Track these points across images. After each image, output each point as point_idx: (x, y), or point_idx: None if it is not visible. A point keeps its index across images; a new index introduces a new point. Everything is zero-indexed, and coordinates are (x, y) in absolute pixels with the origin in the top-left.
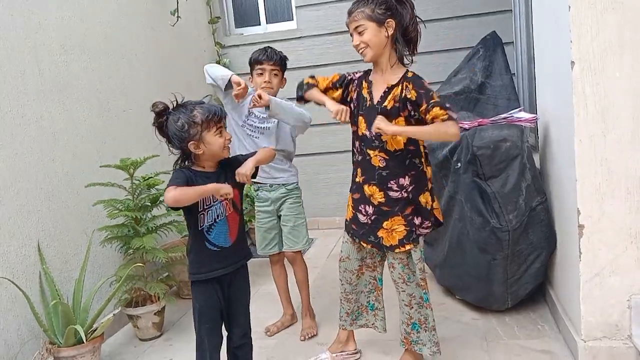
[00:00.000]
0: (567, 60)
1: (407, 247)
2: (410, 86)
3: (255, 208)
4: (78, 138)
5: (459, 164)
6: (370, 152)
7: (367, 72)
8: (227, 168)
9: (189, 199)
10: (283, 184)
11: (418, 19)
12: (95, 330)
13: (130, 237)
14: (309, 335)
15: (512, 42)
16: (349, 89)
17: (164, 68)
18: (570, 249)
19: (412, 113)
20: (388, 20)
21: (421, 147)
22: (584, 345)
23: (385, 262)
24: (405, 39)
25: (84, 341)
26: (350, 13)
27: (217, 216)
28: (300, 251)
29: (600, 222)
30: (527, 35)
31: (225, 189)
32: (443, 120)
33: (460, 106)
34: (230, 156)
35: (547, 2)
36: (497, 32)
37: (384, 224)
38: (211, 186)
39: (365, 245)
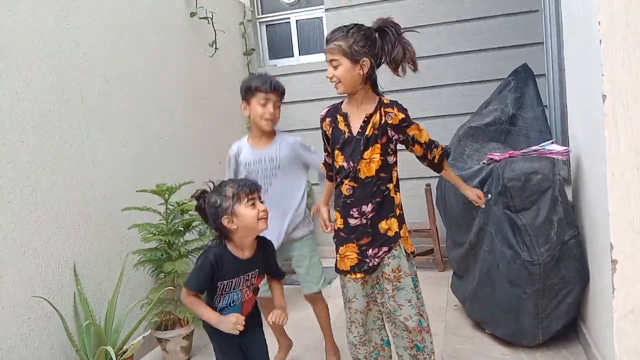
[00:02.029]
0: (598, 93)
1: (359, 275)
2: (394, 111)
3: None
4: (116, 163)
5: (490, 196)
6: (345, 180)
7: (335, 107)
8: (262, 252)
9: (194, 312)
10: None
11: (406, 39)
12: (125, 352)
13: (162, 260)
14: None
15: (544, 74)
16: (324, 129)
17: (200, 97)
18: (603, 285)
19: (393, 137)
20: (363, 60)
21: (394, 174)
22: None
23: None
24: (391, 59)
25: None
26: (327, 42)
27: (233, 301)
28: (320, 291)
29: (634, 257)
30: (559, 68)
31: (229, 325)
32: (442, 157)
33: (491, 137)
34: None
35: (579, 35)
36: (529, 64)
37: (340, 249)
38: (215, 320)
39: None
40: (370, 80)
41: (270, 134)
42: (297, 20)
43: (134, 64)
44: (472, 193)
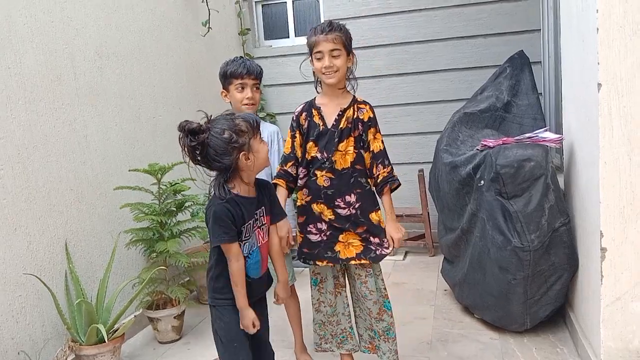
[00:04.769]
0: (594, 81)
1: (363, 261)
2: (366, 108)
3: None
4: (108, 142)
5: (482, 182)
6: (318, 172)
7: (310, 103)
8: (263, 191)
9: (235, 285)
10: None
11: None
12: (116, 331)
13: (154, 240)
14: None
15: (540, 61)
16: (300, 122)
17: (193, 77)
18: (592, 272)
19: (361, 133)
20: (352, 53)
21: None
22: None
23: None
24: None
25: (105, 340)
26: (328, 33)
27: (252, 248)
28: (293, 285)
29: (623, 246)
30: (555, 55)
31: (250, 324)
32: (389, 180)
33: (485, 124)
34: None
35: (576, 23)
36: (525, 51)
37: (340, 237)
38: (243, 308)
39: (320, 264)
40: (348, 75)
41: None
42: (293, 1)
43: (127, 41)
44: (392, 228)
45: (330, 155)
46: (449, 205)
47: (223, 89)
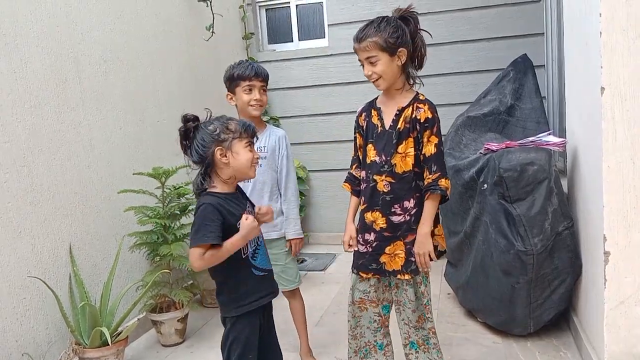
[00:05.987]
0: (597, 85)
1: (406, 276)
2: (424, 107)
3: None
4: (113, 146)
5: (486, 185)
6: (377, 177)
7: (371, 103)
8: (239, 189)
9: (220, 259)
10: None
11: (422, 31)
12: (120, 334)
13: (158, 243)
14: None
15: (543, 65)
16: (360, 124)
17: (197, 81)
18: (595, 276)
19: (418, 134)
20: (400, 49)
21: None
22: None
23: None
24: (412, 56)
25: (109, 343)
26: (360, 40)
27: (259, 238)
28: (298, 288)
29: (627, 249)
30: (559, 59)
31: (249, 227)
32: (431, 188)
33: (489, 127)
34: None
35: (578, 27)
36: (529, 54)
37: (386, 249)
38: (240, 237)
39: (364, 275)
40: (405, 71)
41: (260, 124)
42: (297, 5)
43: (132, 45)
44: (417, 241)
45: (389, 158)
46: (452, 208)
47: (229, 92)
